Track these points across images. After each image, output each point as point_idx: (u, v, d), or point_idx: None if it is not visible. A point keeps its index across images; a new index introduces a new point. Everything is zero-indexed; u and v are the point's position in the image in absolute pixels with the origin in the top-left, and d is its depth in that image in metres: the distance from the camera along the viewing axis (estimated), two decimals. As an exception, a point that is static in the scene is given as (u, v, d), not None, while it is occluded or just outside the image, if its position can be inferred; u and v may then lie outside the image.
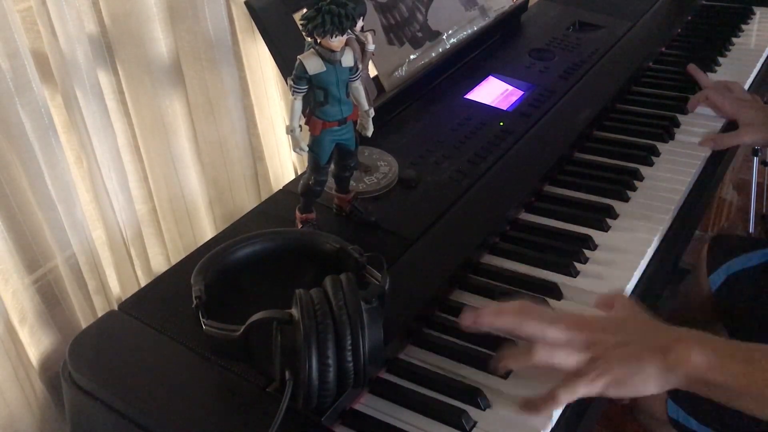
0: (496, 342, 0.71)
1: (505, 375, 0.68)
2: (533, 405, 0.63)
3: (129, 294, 0.79)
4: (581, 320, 0.66)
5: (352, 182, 0.82)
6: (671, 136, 1.05)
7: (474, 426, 0.63)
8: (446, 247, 0.81)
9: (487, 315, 0.66)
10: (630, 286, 0.79)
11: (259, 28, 0.92)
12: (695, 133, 1.06)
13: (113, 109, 0.94)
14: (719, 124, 1.07)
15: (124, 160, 0.94)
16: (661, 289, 0.87)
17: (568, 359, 0.63)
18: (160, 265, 1.08)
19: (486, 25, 1.20)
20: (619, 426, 1.40)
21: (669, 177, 0.96)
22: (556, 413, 0.65)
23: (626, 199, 0.92)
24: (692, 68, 1.17)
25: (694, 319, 1.25)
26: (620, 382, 0.61)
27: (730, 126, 1.08)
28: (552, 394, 0.62)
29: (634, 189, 0.94)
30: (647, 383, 0.61)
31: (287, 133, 0.71)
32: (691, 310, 1.25)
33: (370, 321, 0.58)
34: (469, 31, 1.17)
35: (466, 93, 1.09)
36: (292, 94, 0.70)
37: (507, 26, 1.27)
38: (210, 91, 0.99)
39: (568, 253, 0.82)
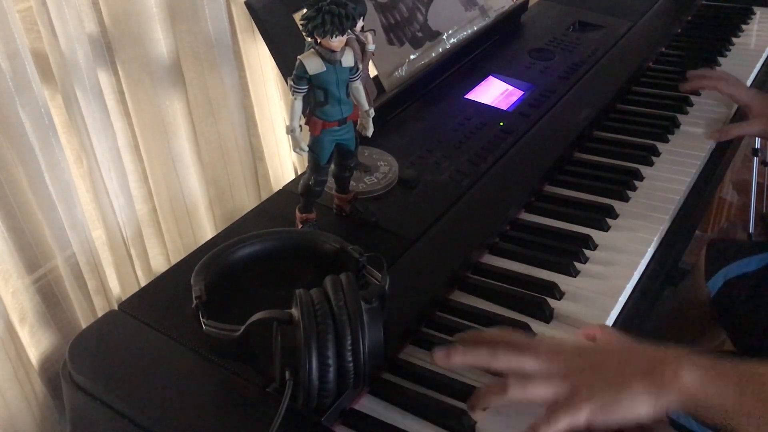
0: (496, 342, 0.71)
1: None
2: None
3: (129, 294, 0.79)
4: (557, 347, 0.63)
5: (352, 182, 0.82)
6: (671, 135, 1.06)
7: (474, 426, 0.63)
8: (446, 247, 0.81)
9: (458, 353, 0.63)
10: (630, 286, 0.79)
11: (259, 28, 0.92)
12: (695, 132, 1.06)
13: (113, 109, 0.94)
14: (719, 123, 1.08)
15: (124, 160, 0.94)
16: (661, 289, 0.87)
17: (546, 390, 0.59)
18: (160, 265, 1.08)
19: (486, 25, 1.20)
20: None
21: (669, 177, 0.96)
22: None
23: (626, 199, 0.92)
24: (692, 74, 1.16)
25: (693, 322, 1.25)
26: (607, 407, 0.58)
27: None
28: (532, 430, 0.58)
29: (634, 189, 0.94)
30: (636, 406, 0.58)
31: (287, 133, 0.71)
32: (689, 315, 1.25)
33: (370, 321, 0.58)
34: (469, 31, 1.17)
35: (466, 93, 1.09)
36: (292, 94, 0.70)
37: (507, 26, 1.27)
38: (210, 91, 0.99)
39: (568, 253, 0.82)
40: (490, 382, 0.63)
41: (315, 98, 0.71)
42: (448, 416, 0.64)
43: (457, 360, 0.63)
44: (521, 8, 1.31)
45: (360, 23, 0.75)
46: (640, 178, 0.96)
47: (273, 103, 1.12)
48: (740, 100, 1.09)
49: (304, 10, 0.67)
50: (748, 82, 1.21)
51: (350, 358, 0.57)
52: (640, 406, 0.58)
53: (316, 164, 0.75)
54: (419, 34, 1.09)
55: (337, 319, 0.57)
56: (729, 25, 1.39)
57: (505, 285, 0.79)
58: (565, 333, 0.73)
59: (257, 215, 0.86)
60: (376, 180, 0.88)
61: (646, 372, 0.59)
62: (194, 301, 0.66)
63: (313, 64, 0.68)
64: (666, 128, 1.06)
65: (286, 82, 0.72)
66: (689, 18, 1.45)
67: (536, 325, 0.73)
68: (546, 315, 0.75)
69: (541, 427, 0.58)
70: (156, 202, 1.04)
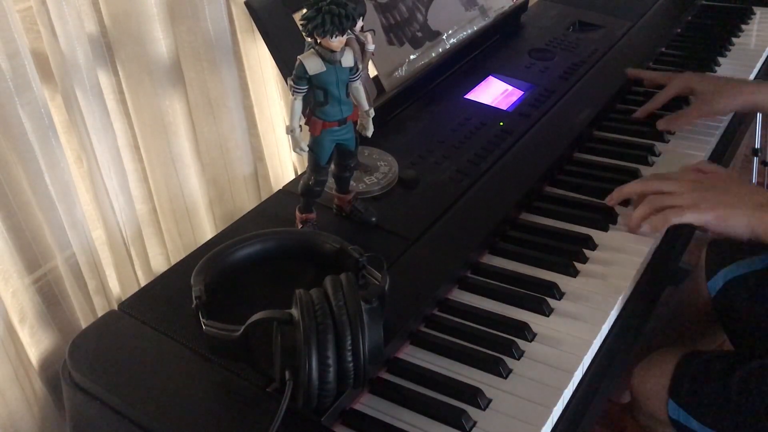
0: (496, 342, 0.71)
1: (505, 374, 0.68)
2: (637, 221, 0.83)
3: (129, 294, 0.79)
4: (690, 172, 0.88)
5: (352, 182, 0.82)
6: (671, 135, 1.06)
7: (474, 426, 0.63)
8: (446, 247, 0.81)
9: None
10: (630, 286, 0.79)
11: (259, 28, 0.92)
12: (695, 133, 1.06)
13: (113, 109, 0.94)
14: (719, 124, 1.08)
15: (124, 160, 0.94)
16: (661, 289, 0.87)
17: (683, 196, 0.82)
18: (160, 265, 1.08)
19: (486, 25, 1.20)
20: (619, 426, 1.40)
21: (669, 177, 0.96)
22: (557, 412, 0.65)
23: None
24: (631, 71, 1.17)
25: (693, 323, 1.25)
26: (721, 218, 0.80)
27: (728, 132, 1.08)
28: (664, 215, 0.81)
29: (634, 189, 0.94)
30: (742, 226, 0.80)
31: (287, 133, 0.71)
32: (689, 315, 1.25)
33: (370, 321, 0.58)
34: (469, 31, 1.17)
35: (466, 93, 1.09)
36: (292, 94, 0.70)
37: (507, 26, 1.27)
38: (210, 91, 0.99)
39: (568, 253, 0.82)
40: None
41: (315, 98, 0.71)
42: (448, 416, 0.64)
43: (615, 196, 0.89)
44: (521, 8, 1.31)
45: (360, 23, 0.75)
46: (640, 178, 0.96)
47: (273, 103, 1.12)
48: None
49: (304, 10, 0.67)
50: (748, 82, 1.21)
51: (350, 358, 0.57)
52: (744, 228, 0.80)
53: (316, 164, 0.75)
54: (419, 34, 1.09)
55: (337, 319, 0.57)
56: (729, 25, 1.39)
57: (505, 285, 0.79)
58: (566, 330, 0.73)
59: (257, 215, 0.86)
60: (376, 180, 0.88)
61: (756, 205, 0.80)
62: (194, 301, 0.66)
63: (313, 65, 0.68)
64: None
65: (286, 82, 0.72)
66: (689, 18, 1.45)
67: (536, 323, 0.73)
68: (546, 315, 0.75)
69: (670, 215, 0.81)
70: (156, 202, 1.04)
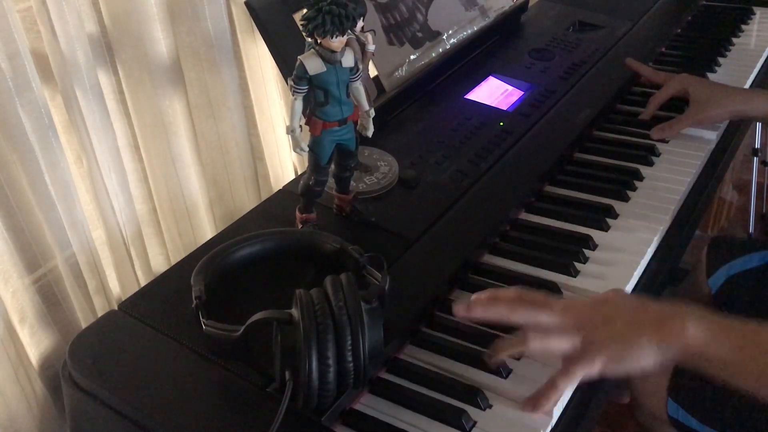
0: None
1: (505, 374, 0.68)
2: (534, 401, 0.64)
3: (129, 294, 0.79)
4: (571, 303, 0.66)
5: (352, 182, 0.82)
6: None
7: (474, 426, 0.63)
8: (446, 247, 0.81)
9: (478, 307, 0.66)
10: (630, 286, 0.79)
11: (259, 28, 0.92)
12: (695, 133, 1.06)
13: (113, 109, 0.94)
14: (720, 124, 1.07)
15: (124, 160, 0.94)
16: (661, 289, 0.87)
17: (562, 343, 0.63)
18: (160, 265, 1.08)
19: (486, 25, 1.20)
20: (619, 426, 1.40)
21: (669, 177, 0.96)
22: (557, 412, 0.65)
23: (626, 199, 0.92)
24: (631, 62, 1.17)
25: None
26: (617, 359, 0.62)
27: (728, 132, 1.08)
28: (551, 383, 0.63)
29: (634, 189, 0.94)
30: (643, 358, 0.61)
31: (287, 133, 0.71)
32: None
33: (370, 321, 0.58)
34: (469, 31, 1.17)
35: (466, 93, 1.09)
36: (293, 95, 0.70)
37: (507, 26, 1.27)
38: (210, 91, 0.99)
39: (568, 253, 0.82)
40: (502, 341, 0.67)
41: (315, 98, 0.71)
42: (448, 416, 0.64)
43: (477, 313, 0.66)
44: (521, 8, 1.31)
45: (360, 23, 0.75)
46: (640, 178, 0.96)
47: (273, 103, 1.12)
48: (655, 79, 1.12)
49: (304, 10, 0.67)
50: (748, 83, 1.21)
51: (350, 358, 0.57)
52: (647, 358, 0.61)
53: (316, 164, 0.75)
54: (419, 34, 1.09)
55: (337, 319, 0.57)
56: (729, 25, 1.39)
57: (505, 285, 0.79)
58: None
59: (257, 215, 0.86)
60: (376, 180, 0.88)
61: (654, 326, 0.62)
62: (194, 301, 0.66)
63: (313, 65, 0.68)
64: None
65: (286, 82, 0.72)
66: (689, 18, 1.45)
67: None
68: (546, 315, 0.75)
69: (560, 380, 0.63)
70: (156, 202, 1.04)
